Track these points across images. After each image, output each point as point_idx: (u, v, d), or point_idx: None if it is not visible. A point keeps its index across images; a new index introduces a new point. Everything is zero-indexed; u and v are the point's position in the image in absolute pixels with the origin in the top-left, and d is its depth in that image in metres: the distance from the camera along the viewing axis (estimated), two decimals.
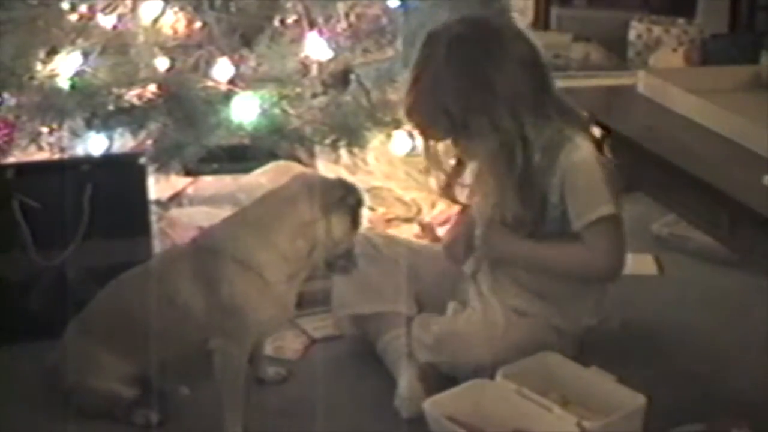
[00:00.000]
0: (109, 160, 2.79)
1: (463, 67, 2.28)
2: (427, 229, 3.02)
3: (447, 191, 2.52)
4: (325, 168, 3.18)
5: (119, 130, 2.88)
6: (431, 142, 2.44)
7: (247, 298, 2.18)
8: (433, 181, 2.67)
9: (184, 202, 3.16)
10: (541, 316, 2.40)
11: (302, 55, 2.96)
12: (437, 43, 2.33)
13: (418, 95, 2.34)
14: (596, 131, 2.48)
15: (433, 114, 2.32)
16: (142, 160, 2.69)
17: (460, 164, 2.48)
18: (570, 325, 2.43)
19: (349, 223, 2.23)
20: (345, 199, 2.22)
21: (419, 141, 3.16)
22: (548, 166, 2.31)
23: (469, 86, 2.28)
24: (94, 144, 2.89)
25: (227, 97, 2.86)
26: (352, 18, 3.06)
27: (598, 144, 2.40)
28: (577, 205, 2.31)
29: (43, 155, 2.85)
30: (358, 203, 2.27)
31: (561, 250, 2.37)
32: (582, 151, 2.32)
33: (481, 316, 2.39)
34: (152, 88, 2.89)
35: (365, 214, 2.41)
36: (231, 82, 2.87)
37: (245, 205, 2.35)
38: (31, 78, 2.83)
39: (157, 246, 2.71)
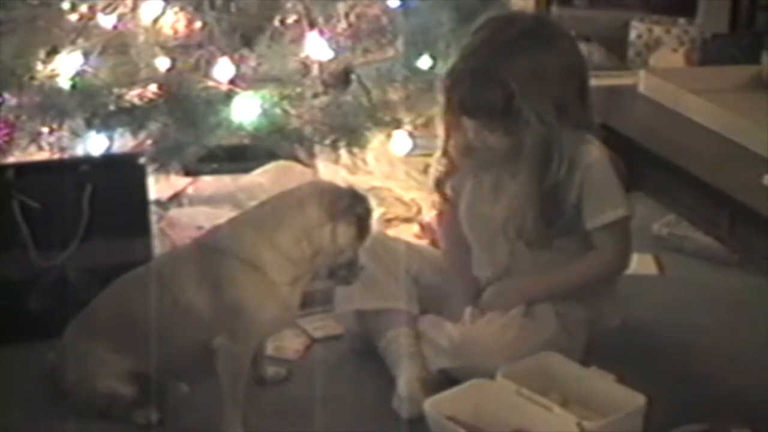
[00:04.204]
0: (109, 160, 2.79)
1: (528, 56, 2.31)
2: (427, 229, 3.02)
3: (440, 185, 2.54)
4: (325, 168, 3.18)
5: (119, 130, 2.88)
6: (452, 141, 2.45)
7: (252, 298, 2.19)
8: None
9: (184, 202, 3.17)
10: (554, 317, 2.41)
11: (303, 55, 2.96)
12: (506, 28, 2.36)
13: (477, 74, 2.33)
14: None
15: (489, 94, 2.31)
16: (142, 160, 2.69)
17: (453, 164, 2.49)
18: (583, 325, 2.45)
19: (354, 233, 2.23)
20: (353, 207, 2.22)
21: (419, 141, 3.18)
22: (569, 168, 2.34)
23: (529, 74, 2.30)
24: (94, 144, 2.89)
25: (228, 97, 2.86)
26: (353, 18, 3.06)
27: (607, 143, 2.41)
28: (593, 204, 2.36)
29: (43, 155, 2.85)
30: (367, 214, 2.27)
31: (574, 271, 2.44)
32: (598, 152, 2.36)
33: (499, 321, 2.39)
34: (153, 88, 2.89)
35: (373, 225, 2.40)
36: (231, 82, 2.87)
37: (252, 206, 2.35)
38: (32, 78, 2.83)
39: (157, 246, 2.71)
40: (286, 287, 2.21)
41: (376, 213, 3.00)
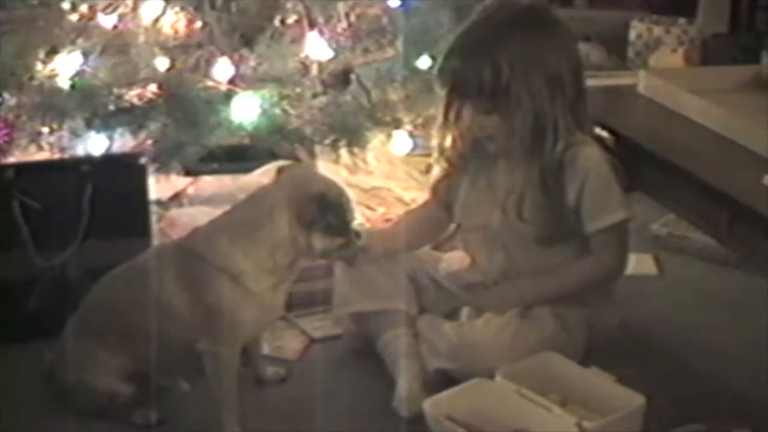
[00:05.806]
0: (109, 160, 2.79)
1: (520, 35, 2.32)
2: None
3: (436, 189, 2.55)
4: (325, 168, 3.18)
5: (119, 130, 2.89)
6: (448, 142, 2.45)
7: (230, 304, 2.16)
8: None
9: (184, 202, 3.16)
10: (552, 318, 2.41)
11: (302, 55, 2.97)
12: (499, 11, 2.37)
13: (468, 51, 2.34)
14: (604, 134, 2.50)
15: (479, 71, 2.30)
16: (142, 160, 2.69)
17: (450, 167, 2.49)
18: (582, 325, 2.44)
19: (332, 234, 2.19)
20: (323, 213, 2.17)
21: (419, 141, 3.18)
22: (568, 169, 2.34)
23: (520, 53, 2.30)
24: (94, 144, 2.90)
25: (227, 97, 2.86)
26: (353, 18, 3.07)
27: (606, 146, 2.42)
28: (592, 207, 2.36)
29: (43, 155, 2.85)
30: (342, 213, 2.21)
31: (571, 275, 2.44)
32: (597, 154, 2.36)
33: (496, 322, 2.39)
34: (152, 88, 2.89)
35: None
36: (231, 82, 2.88)
37: (230, 208, 2.28)
38: (32, 78, 2.84)
39: None
40: (266, 293, 2.19)
41: (372, 211, 3.01)
